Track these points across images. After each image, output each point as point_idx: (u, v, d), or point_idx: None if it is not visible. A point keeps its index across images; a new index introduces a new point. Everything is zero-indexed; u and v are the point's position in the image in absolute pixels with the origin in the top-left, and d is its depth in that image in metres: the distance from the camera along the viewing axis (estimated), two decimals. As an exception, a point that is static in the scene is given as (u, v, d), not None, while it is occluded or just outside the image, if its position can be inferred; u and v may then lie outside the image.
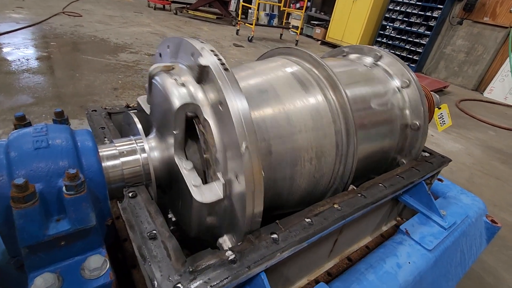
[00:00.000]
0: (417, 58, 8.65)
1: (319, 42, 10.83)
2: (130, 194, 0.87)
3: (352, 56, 1.56)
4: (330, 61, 1.41)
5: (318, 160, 1.04)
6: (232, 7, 13.88)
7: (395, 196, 1.22)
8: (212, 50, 0.83)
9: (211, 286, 0.65)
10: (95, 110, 1.32)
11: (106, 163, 0.86)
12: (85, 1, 9.41)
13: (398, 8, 8.75)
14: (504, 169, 3.84)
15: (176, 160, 0.87)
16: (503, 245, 2.37)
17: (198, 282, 0.65)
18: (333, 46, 10.17)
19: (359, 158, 1.21)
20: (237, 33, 8.94)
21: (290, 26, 11.13)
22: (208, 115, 0.81)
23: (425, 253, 1.12)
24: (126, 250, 1.19)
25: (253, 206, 0.76)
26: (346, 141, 1.07)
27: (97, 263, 0.73)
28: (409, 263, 1.06)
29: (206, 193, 0.79)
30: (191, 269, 0.67)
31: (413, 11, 8.48)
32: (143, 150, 0.92)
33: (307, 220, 0.89)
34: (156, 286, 0.63)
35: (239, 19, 8.94)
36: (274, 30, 10.97)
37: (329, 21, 10.31)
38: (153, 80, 0.93)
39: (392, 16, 8.93)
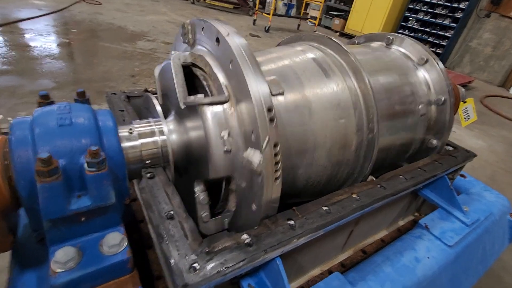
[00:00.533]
0: (440, 52, 8.30)
1: (338, 33, 10.56)
2: (148, 175, 0.87)
3: (395, 48, 1.48)
4: (359, 49, 1.36)
5: (338, 149, 1.02)
6: (249, -4, 13.70)
7: (415, 189, 1.18)
8: (275, 145, 0.72)
9: (227, 267, 0.65)
10: (115, 93, 1.33)
11: (126, 144, 0.86)
12: (105, -11, 9.50)
13: (422, -2, 8.39)
14: (529, 168, 3.67)
15: (196, 188, 0.86)
16: (524, 246, 2.27)
17: (214, 263, 0.65)
18: (352, 37, 9.87)
19: (380, 148, 1.18)
20: (254, 23, 8.83)
21: (308, 17, 10.89)
22: (239, 189, 0.83)
23: (445, 249, 1.08)
24: (142, 231, 1.21)
25: (271, 192, 0.75)
26: (367, 130, 1.04)
27: (115, 240, 0.75)
28: (428, 258, 1.03)
29: (211, 227, 0.86)
30: (207, 250, 0.67)
31: (438, 2, 8.10)
32: (161, 133, 0.92)
33: (325, 208, 0.87)
34: (173, 264, 0.63)
35: (256, 8, 8.81)
36: (291, 21, 10.77)
37: (349, 11, 10.01)
38: (199, 110, 0.83)
39: (416, 7, 8.56)
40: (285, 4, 11.39)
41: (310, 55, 1.09)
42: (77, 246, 0.73)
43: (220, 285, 0.71)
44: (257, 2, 9.05)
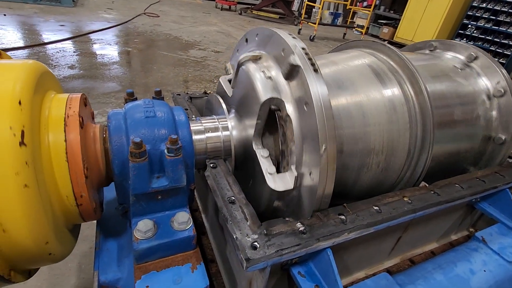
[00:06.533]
0: (504, 62, 7.58)
1: (386, 42, 10.19)
2: (211, 165, 0.98)
3: (441, 52, 1.46)
4: (410, 55, 1.36)
5: (390, 154, 1.03)
6: (295, 6, 13.88)
7: (472, 200, 1.13)
8: (303, 48, 0.85)
9: (283, 249, 0.72)
10: (179, 94, 1.49)
11: (194, 137, 0.98)
12: (163, 3, 10.38)
13: (484, 5, 7.76)
14: None
15: (254, 146, 0.93)
16: None
17: (272, 244, 0.72)
18: (401, 46, 9.46)
19: (439, 154, 1.16)
20: (299, 33, 8.93)
21: (355, 25, 10.69)
22: (291, 111, 0.85)
23: (504, 264, 1.02)
24: (196, 219, 1.33)
25: (324, 188, 0.80)
26: (421, 137, 1.04)
27: (184, 218, 0.86)
28: (485, 271, 0.99)
29: (278, 181, 0.86)
30: (265, 232, 0.75)
31: (502, 9, 7.43)
32: (224, 128, 1.02)
33: (375, 207, 0.90)
34: (237, 240, 0.71)
35: (302, 18, 8.91)
36: (336, 30, 10.67)
37: (399, 20, 9.63)
38: (241, 68, 1.00)
39: (476, 14, 7.95)
40: (331, 13, 11.33)
41: (365, 60, 1.13)
42: (153, 220, 0.86)
43: (273, 270, 0.78)
44: (303, 12, 9.15)
